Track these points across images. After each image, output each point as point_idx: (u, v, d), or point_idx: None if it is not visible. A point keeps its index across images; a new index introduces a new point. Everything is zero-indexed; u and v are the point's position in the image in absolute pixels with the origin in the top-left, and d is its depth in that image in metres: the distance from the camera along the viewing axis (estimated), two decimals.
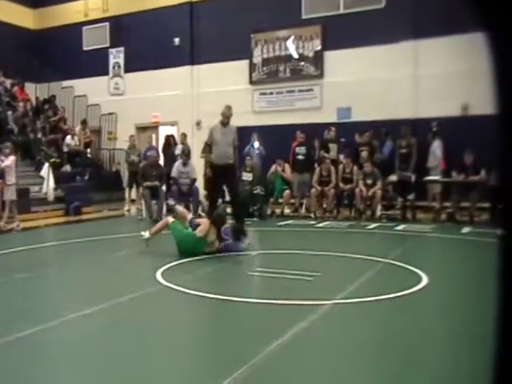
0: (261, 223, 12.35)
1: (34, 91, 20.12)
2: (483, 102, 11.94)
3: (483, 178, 11.70)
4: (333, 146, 14.16)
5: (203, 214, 12.55)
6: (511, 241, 0.91)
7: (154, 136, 17.84)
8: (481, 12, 0.88)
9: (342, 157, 13.92)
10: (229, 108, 10.20)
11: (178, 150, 15.24)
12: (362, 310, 5.16)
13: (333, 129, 14.36)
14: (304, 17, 16.31)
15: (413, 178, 12.41)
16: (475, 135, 12.06)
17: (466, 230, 10.65)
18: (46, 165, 15.38)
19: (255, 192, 13.21)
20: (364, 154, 13.21)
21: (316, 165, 13.82)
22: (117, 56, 19.84)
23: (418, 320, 4.90)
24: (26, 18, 20.83)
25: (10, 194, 11.56)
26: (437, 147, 13.19)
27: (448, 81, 13.57)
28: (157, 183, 13.13)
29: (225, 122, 10.04)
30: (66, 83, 20.22)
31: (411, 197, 12.39)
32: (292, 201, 14.06)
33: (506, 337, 0.92)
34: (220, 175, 9.96)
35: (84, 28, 20.39)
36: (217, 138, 9.91)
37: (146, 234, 8.57)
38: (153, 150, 15.26)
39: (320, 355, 3.98)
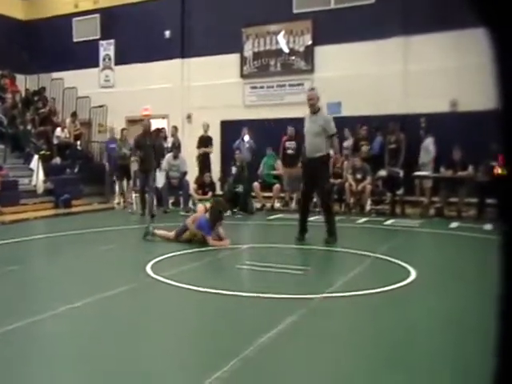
0: (250, 217, 12.40)
1: (24, 83, 19.99)
2: (472, 99, 12.10)
3: (471, 174, 11.82)
4: None
5: (193, 207, 12.63)
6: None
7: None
8: (482, 7, 0.89)
9: (331, 152, 13.94)
10: (312, 89, 8.99)
11: (169, 143, 15.24)
12: (351, 304, 5.21)
13: None
14: (295, 11, 16.30)
15: (401, 173, 12.49)
16: (464, 131, 12.18)
17: (454, 224, 10.75)
18: (36, 157, 15.31)
19: (236, 190, 13.18)
20: (365, 148, 13.29)
21: None
22: (107, 48, 19.72)
23: (407, 314, 4.95)
24: (15, 9, 20.63)
25: None
26: (430, 143, 13.20)
27: (437, 77, 13.63)
28: (152, 167, 12.82)
29: (311, 107, 8.61)
30: (55, 75, 20.11)
31: (400, 192, 12.47)
32: (282, 195, 14.10)
33: (508, 333, 0.94)
34: (307, 171, 8.78)
35: (74, 19, 20.23)
36: (305, 128, 8.66)
37: (151, 228, 8.88)
38: (114, 143, 15.32)
39: (309, 349, 4.02)
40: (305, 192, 8.90)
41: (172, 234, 8.65)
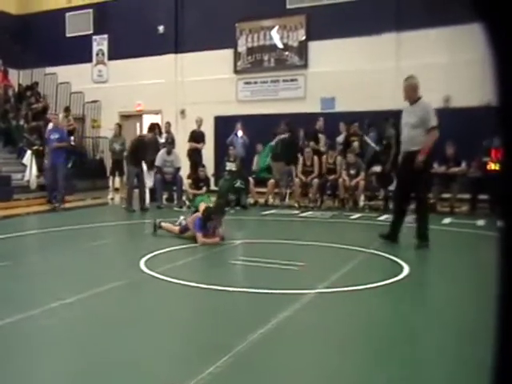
0: (244, 212, 12.39)
1: (17, 77, 19.89)
2: (465, 95, 12.11)
3: (464, 170, 11.85)
4: (321, 137, 14.18)
5: (188, 203, 12.60)
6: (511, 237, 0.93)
7: (61, 116, 15.86)
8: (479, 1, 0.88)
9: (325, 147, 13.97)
10: (407, 78, 7.95)
11: (163, 138, 15.20)
12: (344, 300, 5.21)
13: (321, 119, 14.37)
14: (289, 7, 16.30)
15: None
16: (457, 127, 12.20)
17: (446, 220, 10.77)
18: (29, 152, 15.24)
19: (236, 186, 13.16)
20: (356, 144, 13.28)
21: (299, 154, 13.84)
22: (100, 43, 19.67)
23: (400, 309, 4.96)
24: (7, 3, 20.49)
25: None
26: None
27: (430, 73, 13.62)
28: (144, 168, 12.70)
29: (409, 99, 7.88)
30: (49, 70, 20.03)
31: (393, 188, 12.47)
32: (276, 190, 14.09)
33: (507, 331, 0.94)
34: (402, 168, 8.05)
35: (67, 14, 20.14)
36: (402, 120, 8.00)
37: (157, 221, 8.89)
38: (57, 132, 13.46)
39: (303, 344, 4.02)
40: (398, 190, 8.23)
41: (177, 228, 8.67)
